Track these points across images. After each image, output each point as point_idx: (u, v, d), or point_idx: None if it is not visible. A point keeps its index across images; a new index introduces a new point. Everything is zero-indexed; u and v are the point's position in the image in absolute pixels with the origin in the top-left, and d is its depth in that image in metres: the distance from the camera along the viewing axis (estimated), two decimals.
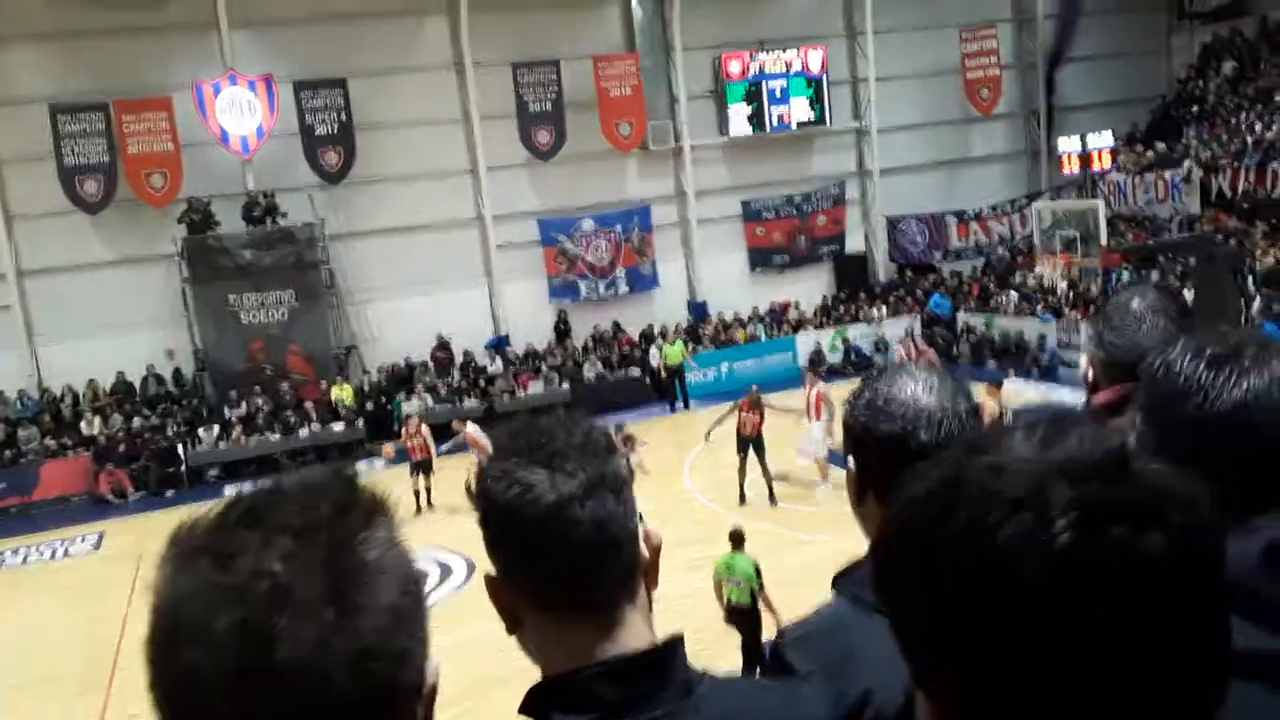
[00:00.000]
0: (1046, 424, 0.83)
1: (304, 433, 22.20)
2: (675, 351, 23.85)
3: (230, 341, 22.96)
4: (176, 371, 23.47)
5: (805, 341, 25.89)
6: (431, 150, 24.52)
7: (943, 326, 26.24)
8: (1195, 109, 28.39)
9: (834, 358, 25.44)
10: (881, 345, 26.00)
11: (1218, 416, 1.34)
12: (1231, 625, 1.05)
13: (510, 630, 1.41)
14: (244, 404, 22.47)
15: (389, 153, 24.14)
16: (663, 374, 23.89)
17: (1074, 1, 29.14)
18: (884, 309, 26.85)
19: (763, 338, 26.18)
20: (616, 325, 26.16)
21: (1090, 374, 2.40)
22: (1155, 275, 23.50)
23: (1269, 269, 21.70)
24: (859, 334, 26.17)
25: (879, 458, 1.69)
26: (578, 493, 1.34)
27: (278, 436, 21.99)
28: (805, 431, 16.27)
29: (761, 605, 9.93)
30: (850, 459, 1.78)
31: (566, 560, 1.33)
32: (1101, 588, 0.75)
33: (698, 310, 26.96)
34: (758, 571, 10.03)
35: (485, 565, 1.43)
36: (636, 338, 25.83)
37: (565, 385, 24.01)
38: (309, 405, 22.64)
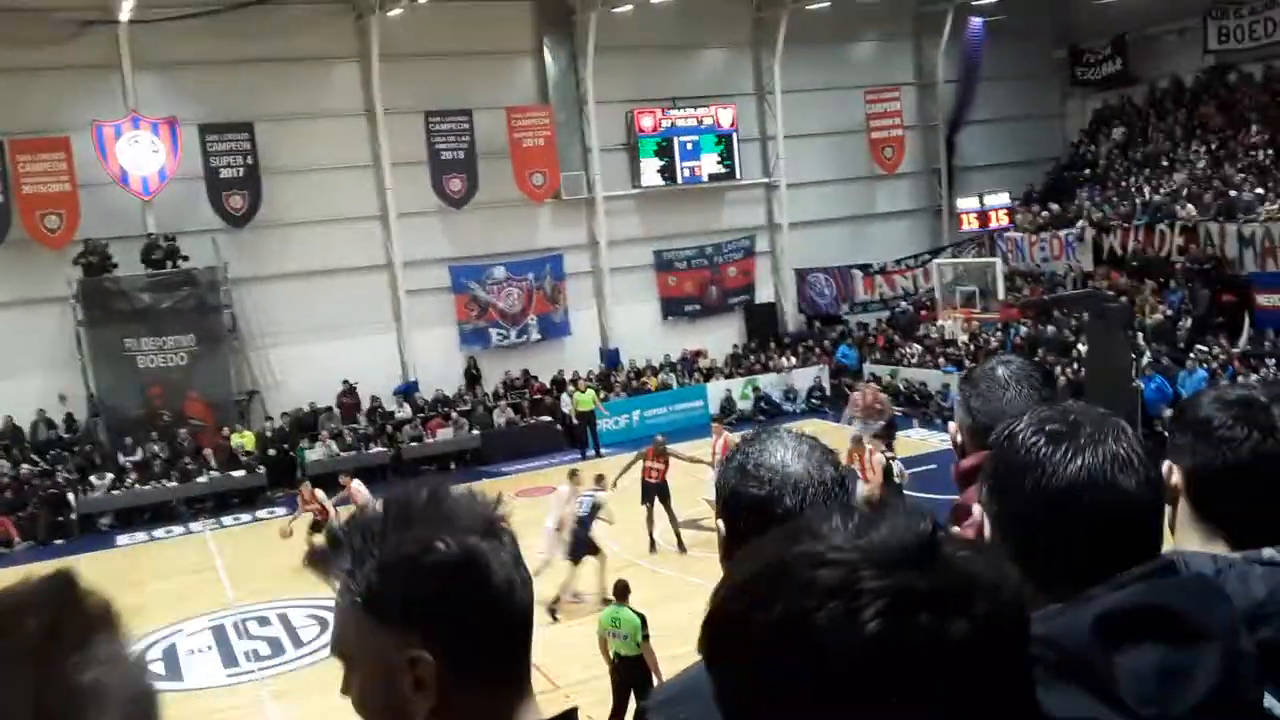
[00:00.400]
0: (863, 510, 0.88)
1: (202, 480, 21.54)
2: (586, 398, 23.79)
3: (126, 386, 22.25)
4: (69, 417, 22.61)
5: (716, 390, 26.09)
6: (341, 195, 24.30)
7: (849, 376, 26.70)
8: (1088, 172, 29.63)
9: (744, 406, 25.67)
10: (791, 394, 26.35)
11: (1053, 492, 1.38)
12: (1066, 695, 1.17)
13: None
14: (139, 450, 21.72)
15: (296, 197, 23.85)
16: (574, 420, 23.80)
17: (973, 67, 30.30)
18: (793, 359, 27.26)
19: (674, 385, 26.31)
20: (527, 371, 26.05)
21: (959, 438, 2.44)
22: (1051, 329, 24.31)
23: (1157, 324, 22.59)
24: (769, 383, 26.48)
25: (746, 520, 1.73)
26: (513, 560, 1.31)
27: (174, 484, 21.28)
28: (711, 480, 16.35)
29: (646, 658, 9.92)
30: (720, 519, 1.83)
31: (513, 631, 1.29)
32: (909, 673, 0.79)
33: (610, 358, 27.02)
34: (643, 623, 9.99)
35: None
36: (548, 384, 25.74)
37: (475, 431, 23.76)
38: (208, 452, 21.98)
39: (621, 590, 10.29)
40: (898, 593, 0.80)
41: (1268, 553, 1.72)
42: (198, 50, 22.64)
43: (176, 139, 22.78)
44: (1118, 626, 1.25)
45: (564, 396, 24.65)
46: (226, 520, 20.93)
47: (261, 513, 21.26)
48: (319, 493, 17.12)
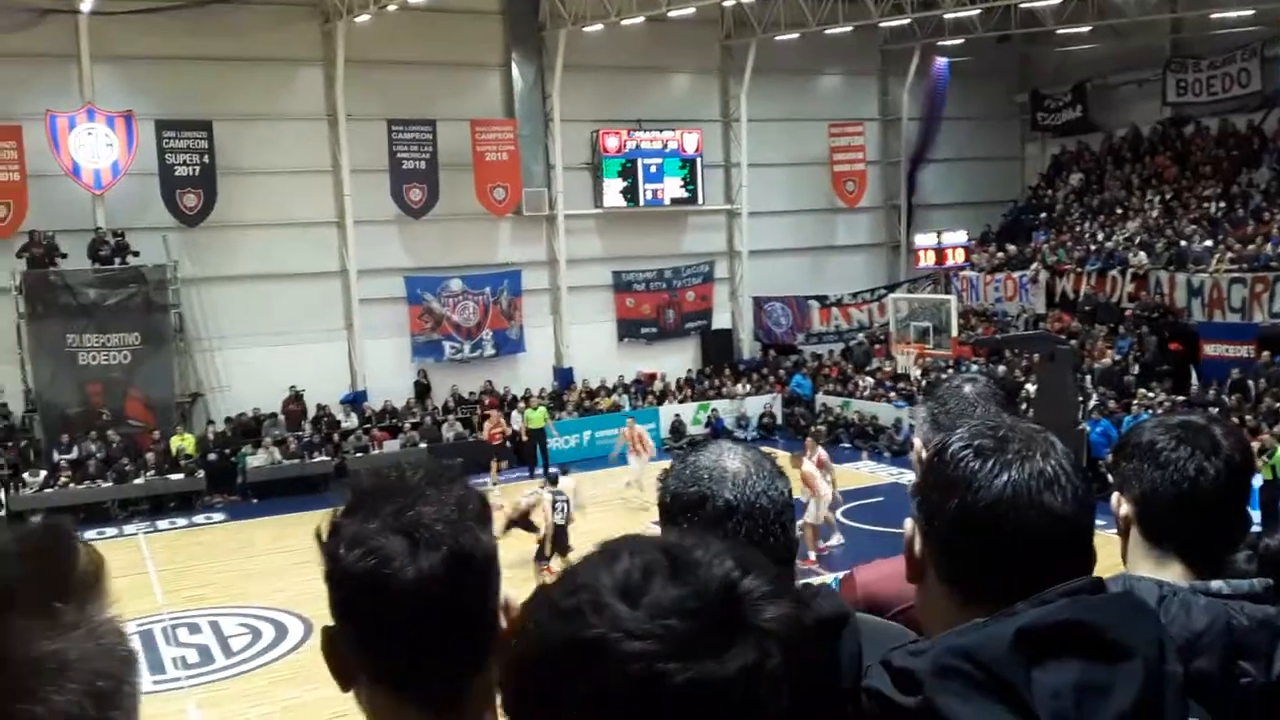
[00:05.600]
0: (665, 560, 0.85)
1: (139, 481, 21.08)
2: (538, 416, 23.60)
3: (66, 382, 21.74)
4: (4, 410, 22.00)
5: (668, 413, 26.01)
6: (297, 199, 24.04)
7: (802, 406, 26.77)
8: (1044, 215, 30.05)
9: (695, 430, 25.61)
10: (743, 420, 26.35)
11: (979, 509, 1.36)
12: (983, 708, 1.19)
13: (344, 688, 1.30)
14: (75, 449, 21.21)
15: (252, 199, 23.54)
16: (524, 438, 23.59)
17: (936, 106, 30.72)
18: (747, 386, 27.28)
19: (626, 407, 26.20)
20: (490, 384, 25.77)
21: (923, 455, 2.40)
22: (1001, 369, 24.53)
23: (1105, 369, 22.86)
24: (722, 408, 26.47)
25: (689, 522, 1.70)
26: (439, 570, 1.21)
27: (110, 484, 20.78)
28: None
29: None
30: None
31: (414, 643, 1.22)
32: None
33: (563, 376, 26.88)
34: None
35: (324, 622, 1.31)
36: (500, 400, 25.53)
37: (423, 445, 23.47)
38: (149, 454, 21.50)
39: None
40: (701, 684, 0.79)
41: (1216, 585, 1.74)
42: (159, 45, 22.36)
43: (132, 134, 22.39)
44: (1039, 642, 1.24)
45: (514, 413, 24.44)
46: (161, 524, 20.50)
47: (198, 517, 20.88)
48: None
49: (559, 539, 14.82)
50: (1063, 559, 1.35)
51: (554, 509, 14.89)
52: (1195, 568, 1.80)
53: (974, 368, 25.12)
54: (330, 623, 1.29)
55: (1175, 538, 1.82)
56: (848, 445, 24.71)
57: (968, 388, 2.38)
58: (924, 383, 24.52)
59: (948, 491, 1.39)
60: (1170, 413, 2.09)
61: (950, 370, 25.08)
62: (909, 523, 1.47)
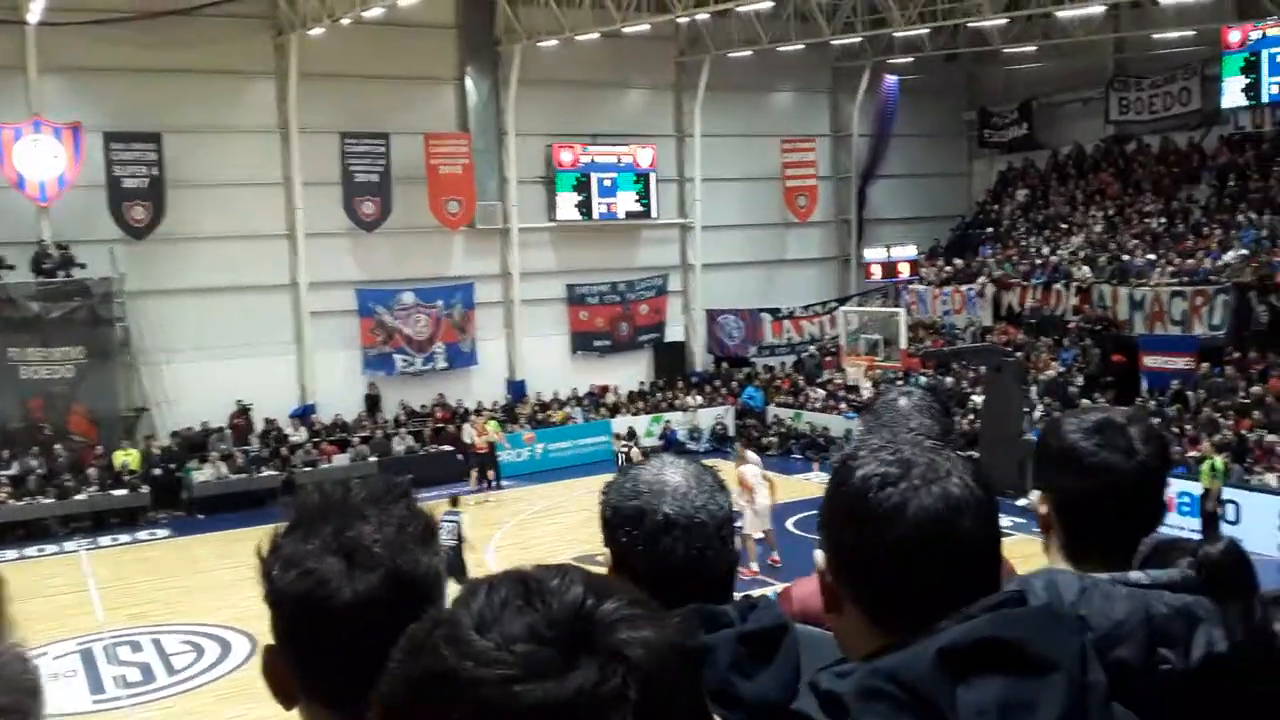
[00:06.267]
0: (519, 590, 0.86)
1: (81, 497, 20.74)
2: (490, 429, 23.54)
3: (7, 396, 21.40)
4: None
5: (621, 425, 26.05)
6: (248, 212, 23.84)
7: (754, 418, 26.94)
8: (991, 230, 30.53)
9: (649, 443, 25.68)
10: (696, 433, 26.45)
11: (889, 539, 1.33)
12: None
13: (286, 707, 1.29)
14: (16, 464, 20.83)
15: (202, 211, 23.31)
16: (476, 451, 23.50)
17: (886, 123, 31.14)
18: (699, 398, 27.41)
19: (579, 420, 26.20)
20: (443, 396, 25.66)
21: None
22: (949, 380, 24.86)
23: (1050, 380, 23.24)
24: (675, 421, 26.57)
25: (627, 535, 1.69)
26: (378, 592, 1.21)
27: (51, 500, 20.43)
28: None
29: None
30: (606, 546, 1.77)
31: (352, 664, 1.20)
32: None
33: (516, 389, 26.83)
34: None
35: (268, 640, 1.31)
36: (451, 414, 25.44)
37: (373, 458, 23.33)
38: (92, 469, 21.18)
39: None
40: (546, 706, 0.80)
41: (1135, 575, 1.76)
42: (108, 56, 22.15)
43: (79, 145, 22.09)
44: (961, 660, 1.23)
45: (466, 426, 24.38)
46: (104, 540, 20.17)
47: (142, 533, 20.58)
48: None
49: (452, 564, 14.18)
50: (977, 577, 1.35)
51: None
52: (1113, 562, 1.83)
53: (922, 380, 25.46)
54: (272, 641, 1.29)
55: (1095, 537, 1.87)
56: (799, 456, 24.92)
57: (903, 400, 2.39)
58: (874, 395, 24.79)
59: (855, 525, 1.36)
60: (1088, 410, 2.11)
61: (900, 381, 25.39)
62: (819, 554, 1.44)
